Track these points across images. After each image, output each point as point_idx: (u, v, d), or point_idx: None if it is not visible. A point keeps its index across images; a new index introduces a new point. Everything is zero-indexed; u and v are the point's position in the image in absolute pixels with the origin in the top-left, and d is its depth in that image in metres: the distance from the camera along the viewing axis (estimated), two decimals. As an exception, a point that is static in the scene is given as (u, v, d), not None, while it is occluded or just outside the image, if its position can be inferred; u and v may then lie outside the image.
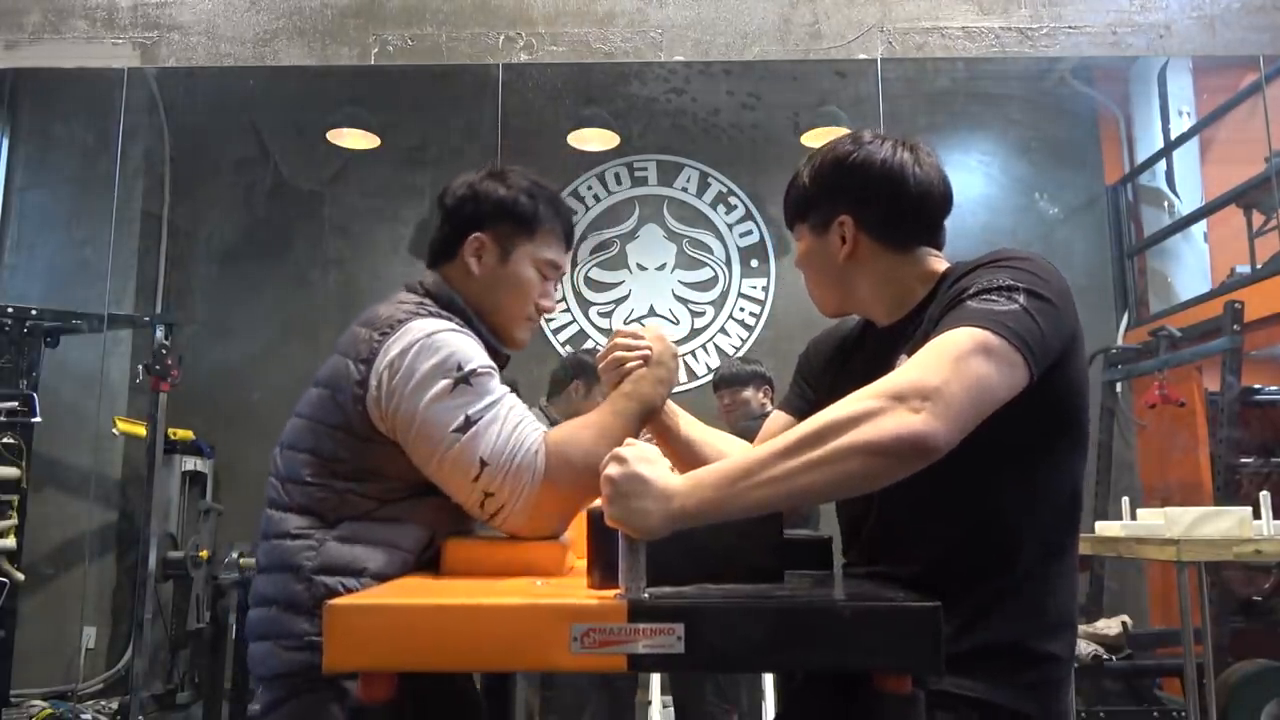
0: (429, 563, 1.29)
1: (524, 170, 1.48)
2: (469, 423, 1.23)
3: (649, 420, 1.39)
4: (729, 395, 3.48)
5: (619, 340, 1.39)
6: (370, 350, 1.27)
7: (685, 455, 1.41)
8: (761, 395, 3.48)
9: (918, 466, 0.97)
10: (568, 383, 3.37)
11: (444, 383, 1.24)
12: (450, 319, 1.33)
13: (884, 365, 1.15)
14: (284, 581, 1.24)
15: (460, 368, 1.25)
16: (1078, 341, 1.12)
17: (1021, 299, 1.05)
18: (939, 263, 1.26)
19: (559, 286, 1.53)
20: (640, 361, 1.37)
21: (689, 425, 1.45)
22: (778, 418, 1.43)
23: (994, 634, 1.13)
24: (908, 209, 1.24)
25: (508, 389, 1.31)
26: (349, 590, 1.20)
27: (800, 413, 1.36)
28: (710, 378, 3.49)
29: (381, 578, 1.22)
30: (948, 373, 0.98)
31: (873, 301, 1.28)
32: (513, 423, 1.26)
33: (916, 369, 1.00)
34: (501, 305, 1.45)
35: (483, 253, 1.42)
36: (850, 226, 1.24)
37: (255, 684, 1.29)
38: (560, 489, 1.24)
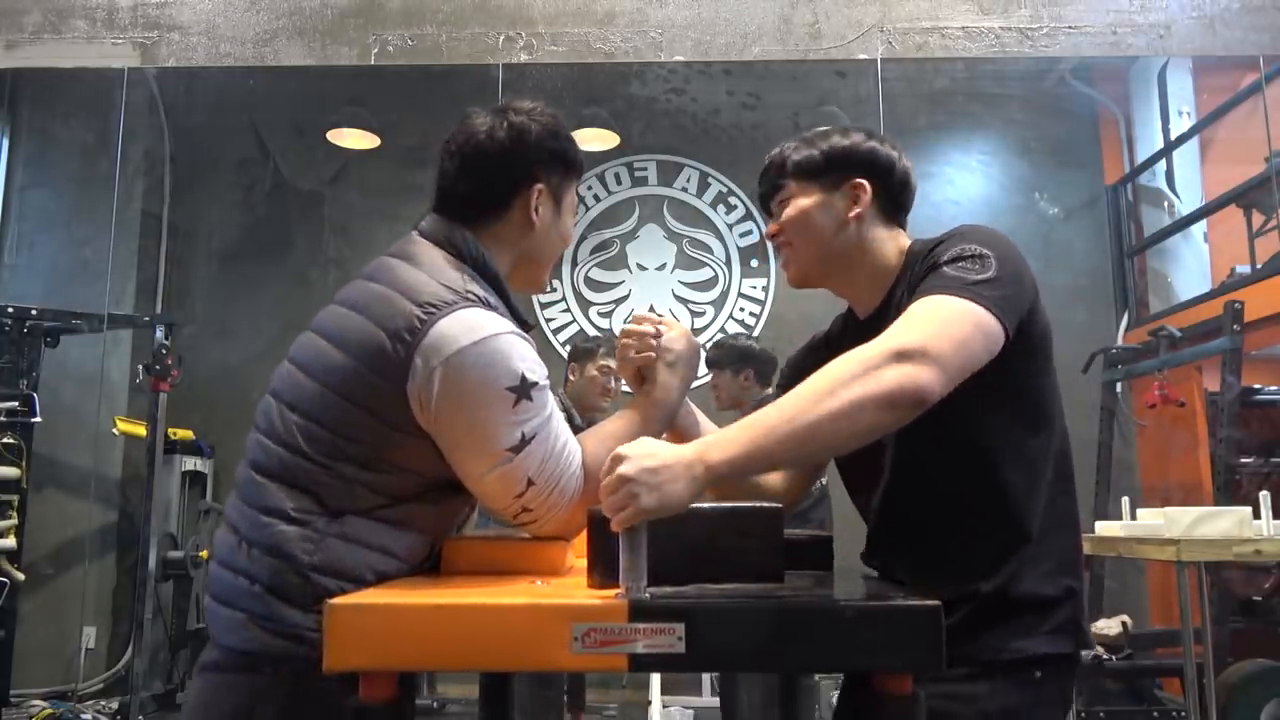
0: (430, 566, 1.27)
1: (537, 104, 1.41)
2: (524, 441, 1.19)
3: (671, 421, 1.38)
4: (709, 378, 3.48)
5: (632, 328, 1.38)
6: (410, 329, 1.16)
7: None
8: (743, 380, 3.47)
9: (915, 414, 1.07)
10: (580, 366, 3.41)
11: (506, 395, 1.17)
12: (495, 306, 1.25)
13: None
14: (274, 565, 1.17)
15: (523, 379, 1.19)
16: (1038, 296, 1.25)
17: (993, 266, 1.17)
18: (906, 240, 1.36)
19: None
20: (648, 354, 1.35)
21: (705, 426, 1.46)
22: None
23: (1028, 584, 1.20)
24: (905, 186, 1.36)
25: (554, 399, 1.27)
26: None
27: None
28: (707, 376, 3.48)
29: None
30: (938, 332, 1.10)
31: (852, 270, 1.34)
32: (561, 441, 1.23)
33: (911, 329, 1.11)
34: (545, 257, 1.39)
35: (540, 205, 1.34)
36: (866, 189, 1.32)
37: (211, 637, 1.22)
38: (592, 504, 1.21)
